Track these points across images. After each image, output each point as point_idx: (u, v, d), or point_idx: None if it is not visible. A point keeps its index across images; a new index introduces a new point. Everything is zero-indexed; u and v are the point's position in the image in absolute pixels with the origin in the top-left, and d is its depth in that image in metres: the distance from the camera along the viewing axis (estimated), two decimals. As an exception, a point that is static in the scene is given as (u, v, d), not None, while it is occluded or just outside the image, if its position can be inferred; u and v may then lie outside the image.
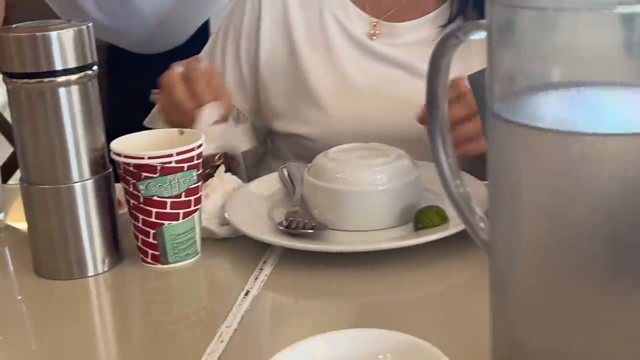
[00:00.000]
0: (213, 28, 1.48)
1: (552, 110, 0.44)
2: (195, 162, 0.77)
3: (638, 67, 0.44)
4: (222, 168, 0.92)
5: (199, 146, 0.77)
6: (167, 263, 0.78)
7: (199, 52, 1.18)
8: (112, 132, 0.80)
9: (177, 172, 0.75)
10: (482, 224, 0.52)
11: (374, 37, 1.09)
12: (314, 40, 1.09)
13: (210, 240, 0.82)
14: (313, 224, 0.79)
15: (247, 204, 0.86)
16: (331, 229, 0.81)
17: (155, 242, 0.77)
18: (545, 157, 0.43)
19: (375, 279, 0.75)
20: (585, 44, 0.43)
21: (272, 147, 1.19)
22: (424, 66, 0.52)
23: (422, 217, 0.80)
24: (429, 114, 0.53)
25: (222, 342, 0.64)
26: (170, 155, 0.75)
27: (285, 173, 0.93)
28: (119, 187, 0.79)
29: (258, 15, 1.12)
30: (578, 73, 0.44)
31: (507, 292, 0.48)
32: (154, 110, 1.11)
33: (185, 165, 0.76)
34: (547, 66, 0.44)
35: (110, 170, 0.79)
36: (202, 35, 1.47)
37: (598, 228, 0.42)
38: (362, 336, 0.52)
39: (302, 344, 0.53)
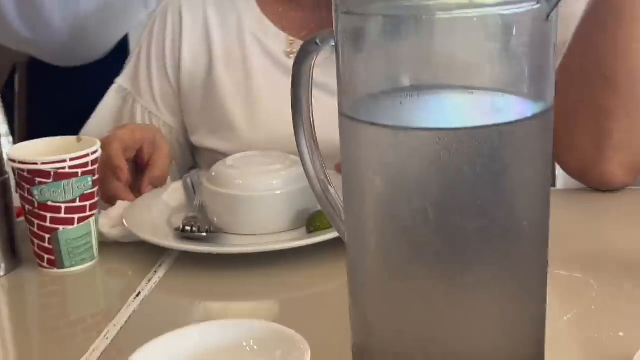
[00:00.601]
0: (132, 42, 1.50)
1: (390, 109, 0.48)
2: (90, 168, 0.78)
3: (469, 70, 0.48)
4: None
5: (94, 152, 0.79)
6: (63, 267, 0.79)
7: (118, 65, 1.19)
8: None
9: (71, 178, 0.77)
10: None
11: (291, 55, 1.12)
12: (231, 58, 1.11)
13: (108, 245, 0.84)
14: (207, 228, 0.82)
15: (148, 210, 0.88)
16: (227, 233, 0.84)
17: (51, 246, 0.79)
18: (381, 151, 0.47)
19: (268, 281, 0.78)
20: (423, 49, 0.47)
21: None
22: None
23: (314, 220, 0.83)
24: (293, 116, 0.56)
25: (107, 339, 0.67)
26: (64, 161, 0.76)
27: (189, 181, 0.96)
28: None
29: (179, 32, 1.13)
30: (418, 76, 0.48)
31: (357, 280, 0.51)
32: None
33: (80, 170, 0.77)
34: (388, 70, 0.48)
35: (7, 176, 0.80)
36: (120, 49, 1.49)
37: (427, 216, 0.45)
38: (228, 326, 0.55)
39: (174, 334, 0.55)
